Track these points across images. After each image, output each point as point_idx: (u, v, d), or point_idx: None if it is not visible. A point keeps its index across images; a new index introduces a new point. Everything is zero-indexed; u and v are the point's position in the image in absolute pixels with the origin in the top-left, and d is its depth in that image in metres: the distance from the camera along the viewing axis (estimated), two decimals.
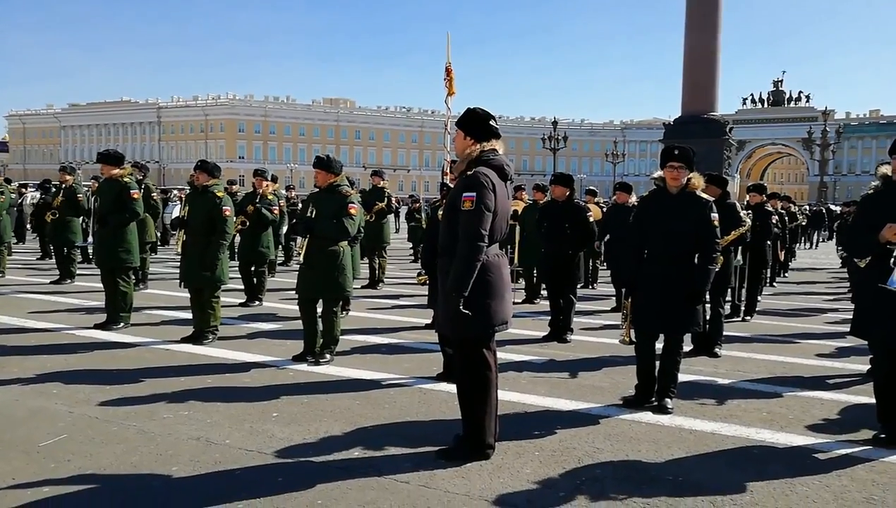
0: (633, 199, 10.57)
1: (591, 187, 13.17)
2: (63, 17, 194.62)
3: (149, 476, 3.60)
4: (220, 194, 6.77)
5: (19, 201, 18.00)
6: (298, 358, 6.13)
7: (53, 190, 11.96)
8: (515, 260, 9.80)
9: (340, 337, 6.35)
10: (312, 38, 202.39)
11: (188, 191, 7.38)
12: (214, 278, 6.75)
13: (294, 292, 6.27)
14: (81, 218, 11.27)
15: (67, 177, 10.94)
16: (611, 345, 6.96)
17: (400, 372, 5.82)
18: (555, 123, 48.77)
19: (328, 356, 6.12)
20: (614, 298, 9.91)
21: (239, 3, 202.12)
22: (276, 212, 9.79)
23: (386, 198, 11.46)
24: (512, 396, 5.09)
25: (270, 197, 9.69)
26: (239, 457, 3.86)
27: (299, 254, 6.21)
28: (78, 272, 11.40)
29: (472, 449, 3.85)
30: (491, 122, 3.92)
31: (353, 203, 6.10)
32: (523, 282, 10.51)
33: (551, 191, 7.68)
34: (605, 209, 11.99)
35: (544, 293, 9.55)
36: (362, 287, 11.02)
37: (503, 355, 6.00)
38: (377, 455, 3.92)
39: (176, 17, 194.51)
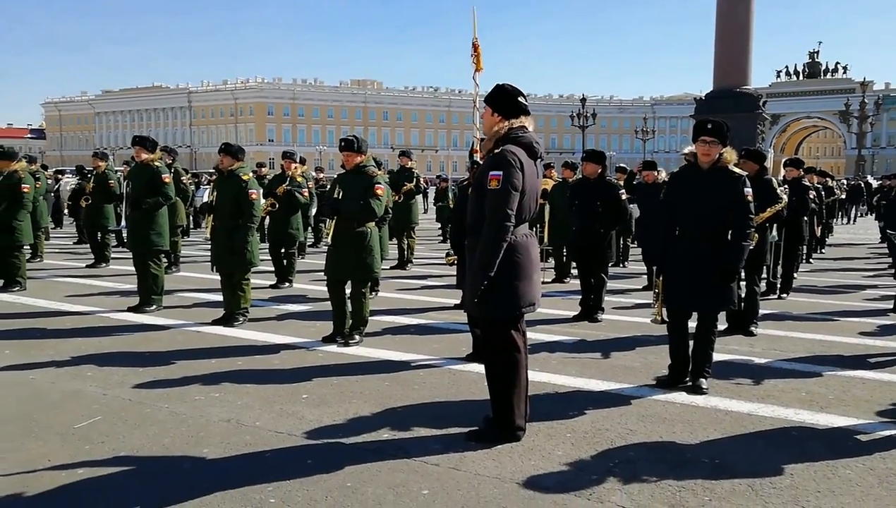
0: (663, 175, 10.38)
1: (622, 164, 12.94)
2: (96, 4, 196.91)
3: (180, 458, 3.62)
4: (245, 177, 6.76)
5: (56, 187, 18.31)
6: (328, 340, 6.14)
7: (88, 175, 12.13)
8: (545, 239, 9.69)
9: (369, 318, 6.34)
10: (339, 19, 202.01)
11: (215, 176, 7.40)
12: (245, 262, 6.77)
13: (323, 273, 6.26)
14: (114, 202, 11.40)
15: (100, 163, 11.08)
16: (642, 325, 6.85)
17: (429, 353, 5.79)
18: (583, 100, 48.17)
19: (357, 337, 6.12)
20: (645, 276, 9.76)
21: None
22: (305, 194, 9.80)
23: (414, 179, 11.40)
24: (542, 377, 5.03)
25: (300, 179, 9.68)
26: (269, 439, 3.87)
27: (328, 235, 6.19)
28: (112, 256, 11.58)
29: (503, 431, 3.81)
30: (520, 98, 3.82)
31: (379, 183, 6.05)
32: (552, 261, 10.41)
33: (583, 168, 7.54)
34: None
35: (574, 272, 9.44)
36: (391, 268, 11.01)
37: (533, 335, 5.95)
38: (406, 437, 3.90)
39: (204, 2, 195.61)
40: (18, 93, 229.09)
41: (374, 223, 6.16)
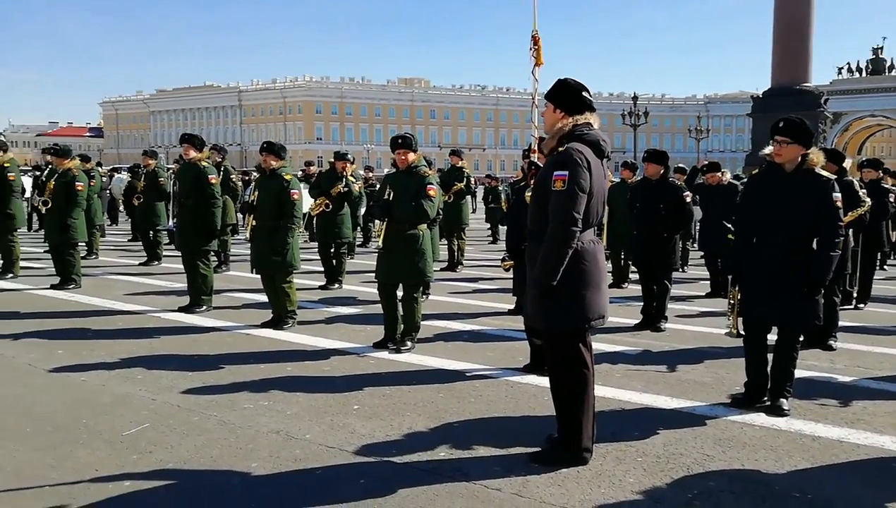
0: (728, 177, 9.92)
1: (680, 165, 12.45)
2: (149, 4, 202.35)
3: (228, 472, 3.45)
4: (288, 177, 6.60)
5: (109, 185, 18.64)
6: (379, 345, 5.95)
7: (140, 174, 12.24)
8: (602, 242, 9.33)
9: (421, 322, 6.12)
10: (387, 17, 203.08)
11: (257, 175, 7.28)
12: (285, 263, 6.60)
13: (374, 275, 6.08)
14: (165, 201, 11.48)
15: (150, 162, 11.16)
16: (709, 335, 6.48)
17: (484, 362, 5.54)
18: (635, 99, 47.19)
19: (409, 343, 5.91)
20: (708, 282, 9.33)
21: None
22: (358, 186, 9.66)
23: (465, 179, 11.17)
24: (606, 391, 4.73)
25: (350, 179, 9.55)
26: (319, 454, 3.67)
27: (378, 237, 6.00)
28: (164, 253, 11.64)
29: (568, 453, 3.54)
30: (584, 94, 3.55)
31: (431, 184, 5.82)
32: (610, 265, 10.04)
33: (644, 169, 7.19)
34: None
35: (633, 276, 9.08)
36: (441, 269, 10.79)
37: (594, 345, 5.64)
38: (464, 457, 3.66)
39: (250, 2, 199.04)
40: (79, 93, 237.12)
41: (425, 225, 5.95)
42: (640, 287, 7.24)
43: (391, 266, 5.86)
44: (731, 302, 4.67)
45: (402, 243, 5.80)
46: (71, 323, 6.78)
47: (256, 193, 6.77)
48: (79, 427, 4.02)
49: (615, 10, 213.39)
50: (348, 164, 9.57)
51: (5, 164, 9.69)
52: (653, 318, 6.89)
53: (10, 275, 9.43)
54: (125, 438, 3.88)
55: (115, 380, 4.96)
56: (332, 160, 9.68)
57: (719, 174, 9.25)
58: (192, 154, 7.43)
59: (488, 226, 18.16)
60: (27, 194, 12.24)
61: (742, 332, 4.56)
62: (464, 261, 11.47)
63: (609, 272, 9.81)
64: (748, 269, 4.46)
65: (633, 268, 9.03)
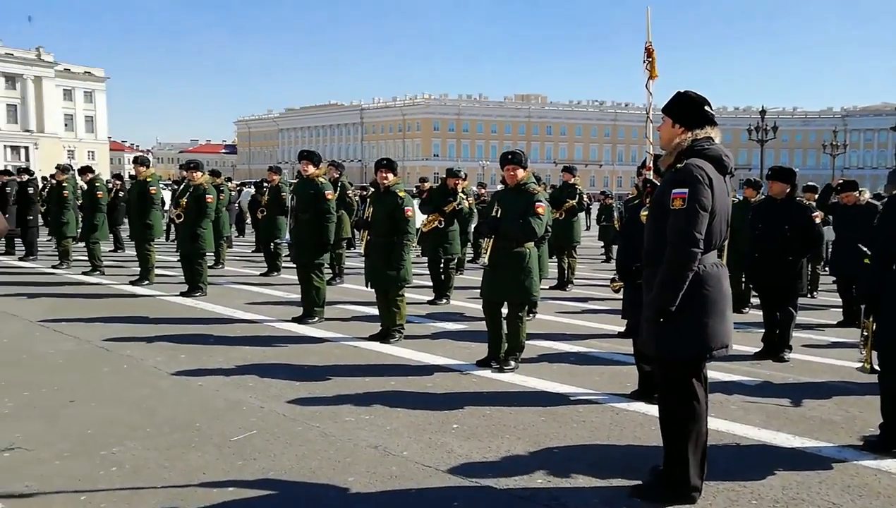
0: (867, 196, 9.16)
1: (811, 182, 11.63)
2: (283, 28, 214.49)
3: (325, 485, 3.50)
4: (402, 194, 6.72)
5: (238, 198, 19.77)
6: (482, 363, 5.90)
7: (264, 188, 12.89)
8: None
9: (526, 342, 6.02)
10: (504, 35, 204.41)
11: (371, 192, 7.46)
12: (399, 278, 6.71)
13: (479, 294, 6.04)
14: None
15: (274, 177, 11.71)
16: (840, 368, 5.96)
17: (590, 386, 5.35)
18: (762, 112, 44.74)
19: (513, 363, 5.81)
20: (841, 311, 8.63)
21: (433, 4, 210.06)
22: (470, 201, 9.70)
23: (577, 196, 10.96)
24: (719, 424, 4.43)
25: (461, 195, 9.61)
26: (415, 473, 3.66)
27: (485, 254, 5.96)
28: (284, 265, 12.16)
29: (674, 490, 3.32)
30: (706, 107, 3.35)
31: (540, 202, 5.72)
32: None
33: (769, 187, 6.74)
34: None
35: (754, 301, 8.54)
36: (550, 288, 10.62)
37: (708, 373, 5.33)
38: (562, 486, 3.52)
39: (375, 22, 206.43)
40: (217, 112, 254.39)
41: (533, 243, 5.85)
42: (761, 312, 6.78)
43: (496, 283, 5.80)
44: (865, 333, 4.27)
45: (509, 261, 5.73)
46: (194, 329, 7.19)
47: (371, 209, 6.93)
48: (192, 431, 4.22)
49: (737, 19, 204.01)
50: (460, 181, 9.64)
51: (147, 179, 10.51)
52: (775, 347, 6.42)
53: (146, 282, 10.16)
54: (233, 444, 4.03)
55: (229, 386, 5.18)
56: (445, 176, 9.78)
57: (856, 193, 8.57)
58: (310, 170, 7.71)
59: (602, 244, 17.74)
60: (166, 207, 13.18)
61: (877, 368, 4.14)
62: (574, 280, 11.23)
63: None
64: (886, 298, 4.05)
65: (754, 292, 8.48)
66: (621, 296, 5.64)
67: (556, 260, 11.10)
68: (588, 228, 28.03)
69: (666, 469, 3.38)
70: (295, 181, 8.56)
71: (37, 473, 3.56)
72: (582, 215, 13.40)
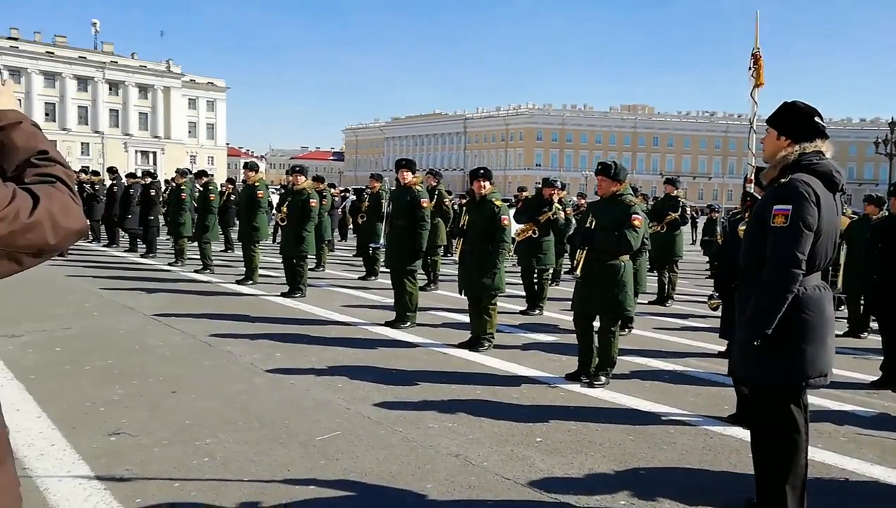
0: None
1: None
2: (387, 39, 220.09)
3: (404, 490, 3.51)
4: (498, 203, 6.71)
5: (342, 204, 20.36)
6: (571, 377, 5.77)
7: (365, 195, 13.22)
8: (838, 285, 8.29)
9: (618, 357, 5.84)
10: (611, 44, 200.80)
11: (466, 200, 7.47)
12: (492, 286, 6.69)
13: (570, 307, 5.92)
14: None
15: (375, 184, 11.97)
16: None
17: (683, 407, 5.12)
18: (892, 124, 41.65)
19: (603, 378, 5.65)
20: None
21: (537, 11, 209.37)
22: (561, 217, 9.55)
23: (679, 208, 10.56)
24: (826, 456, 4.13)
25: (557, 206, 9.47)
26: (494, 484, 3.61)
27: (578, 266, 5.83)
28: (381, 270, 12.40)
29: None
30: (816, 119, 3.13)
31: (636, 214, 5.54)
32: (846, 311, 8.87)
33: (891, 204, 6.25)
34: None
35: (874, 326, 7.93)
36: (649, 302, 10.28)
37: (816, 400, 4.99)
38: None
39: (480, 32, 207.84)
40: (325, 121, 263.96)
41: (627, 256, 5.67)
42: (880, 338, 6.27)
43: (588, 296, 5.67)
44: None
45: (602, 273, 5.59)
46: (291, 328, 7.44)
47: (466, 217, 6.95)
48: (281, 427, 4.35)
49: (863, 25, 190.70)
50: (556, 191, 9.51)
51: (255, 183, 11.01)
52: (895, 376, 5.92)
53: (250, 282, 10.62)
54: (318, 443, 4.12)
55: (319, 386, 5.31)
56: (541, 186, 9.67)
57: None
58: (408, 178, 7.84)
59: (707, 259, 17.01)
60: (274, 210, 13.75)
61: None
62: (674, 296, 10.81)
63: (845, 319, 8.68)
64: None
65: (873, 317, 7.87)
66: (720, 314, 5.38)
67: (656, 274, 10.74)
68: (694, 242, 26.98)
69: (760, 503, 3.18)
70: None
71: (137, 458, 3.77)
72: (686, 229, 12.90)
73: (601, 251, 5.57)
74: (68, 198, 1.43)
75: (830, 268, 8.14)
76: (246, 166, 11.48)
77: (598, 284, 5.59)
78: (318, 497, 3.41)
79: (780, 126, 3.19)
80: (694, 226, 29.18)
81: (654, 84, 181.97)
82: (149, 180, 14.96)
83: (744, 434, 4.43)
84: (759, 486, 3.17)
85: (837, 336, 7.57)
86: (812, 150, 3.10)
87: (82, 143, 75.03)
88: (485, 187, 6.84)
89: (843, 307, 8.99)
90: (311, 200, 9.78)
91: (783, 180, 3.06)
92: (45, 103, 73.29)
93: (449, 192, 14.01)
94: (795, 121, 3.16)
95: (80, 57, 75.57)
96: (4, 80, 1.59)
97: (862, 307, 8.46)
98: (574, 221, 11.87)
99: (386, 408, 4.81)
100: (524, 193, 14.68)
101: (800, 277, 2.94)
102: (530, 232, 9.21)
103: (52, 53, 73.70)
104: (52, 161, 1.49)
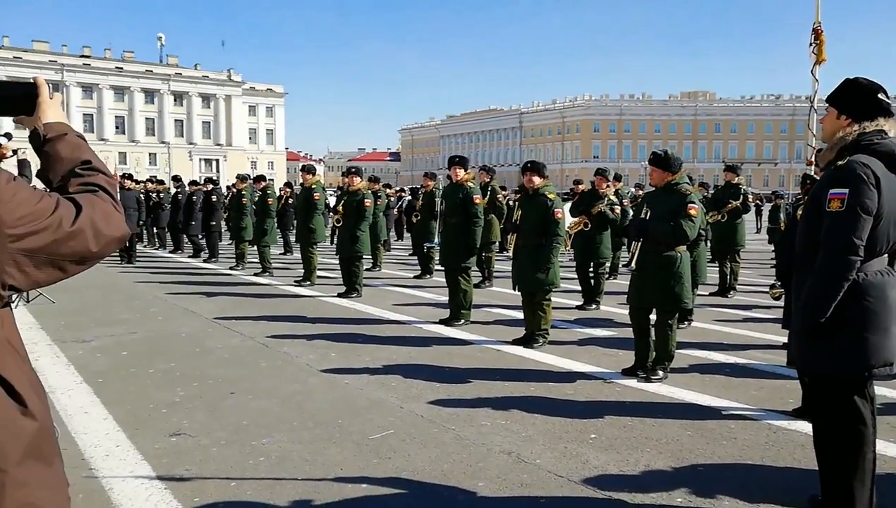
0: None
1: None
2: (438, 40, 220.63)
3: (455, 488, 3.50)
4: (551, 196, 6.61)
5: (397, 204, 20.52)
6: (628, 372, 5.65)
7: (419, 194, 13.27)
8: None
9: (677, 351, 5.69)
10: (670, 30, 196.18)
11: (518, 195, 7.40)
12: (547, 281, 6.61)
13: (626, 300, 5.80)
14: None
15: (429, 183, 12.00)
16: None
17: (745, 401, 4.95)
18: None
19: (661, 373, 5.51)
20: None
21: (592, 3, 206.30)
22: (617, 212, 9.38)
23: (741, 196, 10.22)
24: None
25: (612, 198, 9.30)
26: (547, 482, 3.56)
27: (633, 258, 5.71)
28: (436, 268, 12.43)
29: None
30: (880, 95, 2.96)
31: (693, 203, 5.39)
32: None
33: None
34: None
35: None
36: (710, 294, 9.99)
37: (883, 391, 4.75)
38: (704, 506, 3.27)
39: (532, 24, 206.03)
40: (381, 122, 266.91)
41: (684, 247, 5.52)
42: None
43: (644, 289, 5.54)
44: None
45: (658, 265, 5.45)
46: (346, 328, 7.53)
47: (519, 212, 6.89)
48: (334, 427, 4.40)
49: None
50: (612, 182, 9.33)
51: (312, 186, 11.18)
52: None
53: (308, 283, 10.81)
54: (370, 442, 4.15)
55: (373, 385, 5.36)
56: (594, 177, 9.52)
57: None
58: (460, 175, 7.83)
59: (772, 248, 16.42)
60: (330, 212, 13.97)
61: None
62: (737, 286, 10.47)
63: None
64: None
65: None
66: (782, 304, 5.17)
67: (717, 264, 10.43)
68: (759, 231, 26.12)
69: (825, 501, 3.04)
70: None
71: (196, 459, 3.87)
72: (749, 217, 12.47)
73: (656, 242, 5.44)
74: (110, 207, 1.47)
75: None
76: (303, 169, 11.68)
77: (654, 276, 5.45)
78: (370, 495, 3.43)
79: (840, 104, 3.04)
80: (758, 213, 28.22)
81: (716, 68, 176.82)
82: (210, 187, 15.40)
83: (809, 428, 4.21)
84: (824, 482, 3.03)
85: None
86: (874, 129, 2.94)
87: (150, 154, 78.02)
88: (535, 181, 6.76)
89: None
90: (365, 200, 9.88)
91: (840, 162, 2.92)
92: (115, 116, 76.53)
93: (504, 188, 13.94)
94: (857, 98, 3.00)
95: (146, 70, 78.58)
96: (53, 94, 1.65)
97: None
98: (631, 212, 11.65)
99: (439, 406, 4.82)
100: (580, 186, 14.46)
101: (856, 264, 2.79)
102: (582, 225, 9.07)
103: (121, 68, 76.84)
104: (95, 170, 1.54)
